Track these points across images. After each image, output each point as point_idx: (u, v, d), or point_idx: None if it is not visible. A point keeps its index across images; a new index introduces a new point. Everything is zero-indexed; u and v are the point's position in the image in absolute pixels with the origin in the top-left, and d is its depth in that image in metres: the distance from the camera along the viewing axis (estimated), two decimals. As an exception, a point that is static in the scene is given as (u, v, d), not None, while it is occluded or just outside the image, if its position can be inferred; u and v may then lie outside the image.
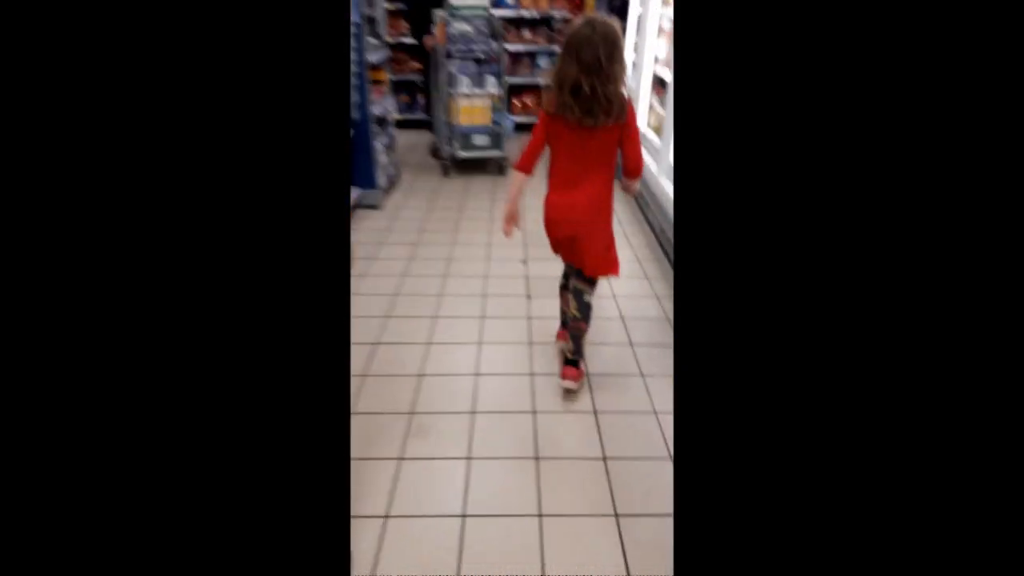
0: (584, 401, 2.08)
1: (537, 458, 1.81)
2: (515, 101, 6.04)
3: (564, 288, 2.23)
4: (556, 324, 2.55)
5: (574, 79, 1.72)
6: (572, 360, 2.10)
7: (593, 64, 1.71)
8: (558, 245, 2.05)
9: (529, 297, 2.78)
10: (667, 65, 3.69)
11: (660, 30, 4.11)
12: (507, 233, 2.02)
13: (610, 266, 2.02)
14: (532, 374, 2.22)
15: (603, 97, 1.73)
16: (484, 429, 1.93)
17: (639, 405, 2.06)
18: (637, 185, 2.02)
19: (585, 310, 2.06)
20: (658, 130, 3.97)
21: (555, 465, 1.79)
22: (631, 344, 2.41)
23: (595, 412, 2.02)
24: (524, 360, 2.31)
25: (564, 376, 2.08)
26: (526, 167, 1.95)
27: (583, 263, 1.99)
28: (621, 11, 5.02)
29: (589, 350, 2.30)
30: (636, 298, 2.73)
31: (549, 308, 2.66)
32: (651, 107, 4.35)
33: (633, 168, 1.91)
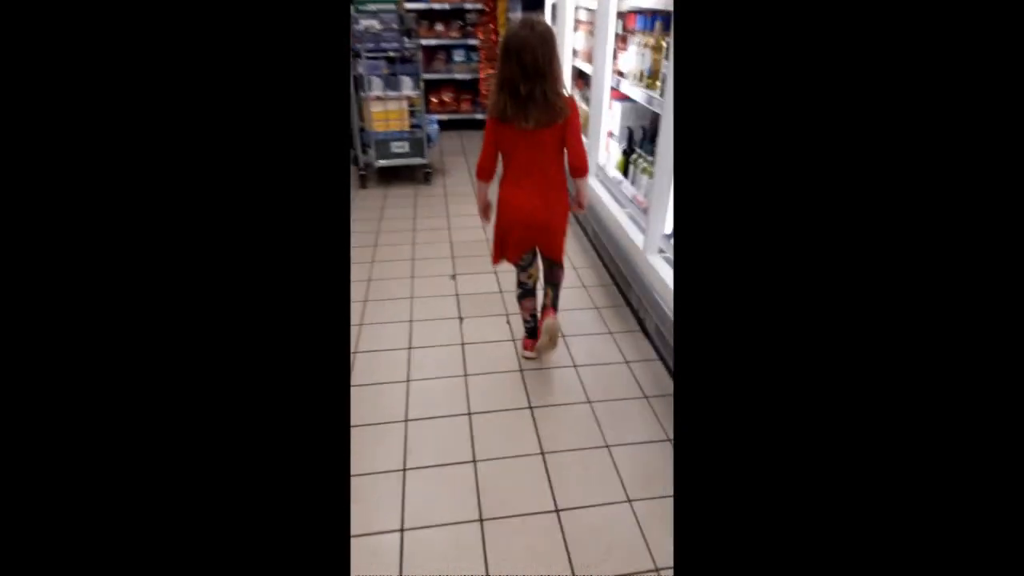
0: (529, 443, 1.89)
1: (481, 520, 1.61)
2: (432, 98, 5.76)
3: (523, 297, 2.24)
4: (492, 348, 2.35)
5: (514, 83, 1.76)
6: (550, 304, 2.25)
7: (533, 67, 1.74)
8: (521, 243, 2.07)
9: (462, 320, 2.56)
10: (586, 59, 3.55)
11: (577, 23, 3.96)
12: (484, 220, 2.15)
13: (558, 255, 2.14)
14: (470, 413, 2.01)
15: (546, 99, 1.78)
16: (416, 490, 1.71)
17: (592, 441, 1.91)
18: (586, 195, 2.10)
19: (558, 280, 2.25)
20: (582, 128, 3.83)
21: (505, 526, 1.59)
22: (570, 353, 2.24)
23: (542, 454, 1.84)
24: (460, 396, 2.09)
25: (545, 316, 2.20)
26: (486, 175, 2.00)
27: (551, 252, 2.11)
28: (537, 3, 4.84)
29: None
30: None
31: (485, 329, 2.45)
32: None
33: (578, 165, 1.95)
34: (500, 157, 1.96)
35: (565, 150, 1.93)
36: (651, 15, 2.69)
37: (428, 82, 5.71)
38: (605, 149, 3.35)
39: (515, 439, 1.89)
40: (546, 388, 2.13)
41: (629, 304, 2.66)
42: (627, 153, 3.01)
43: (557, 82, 1.81)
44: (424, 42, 5.57)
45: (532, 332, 2.28)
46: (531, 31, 1.75)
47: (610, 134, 3.28)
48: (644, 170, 2.74)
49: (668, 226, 2.34)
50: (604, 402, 2.05)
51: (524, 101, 1.77)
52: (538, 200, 1.96)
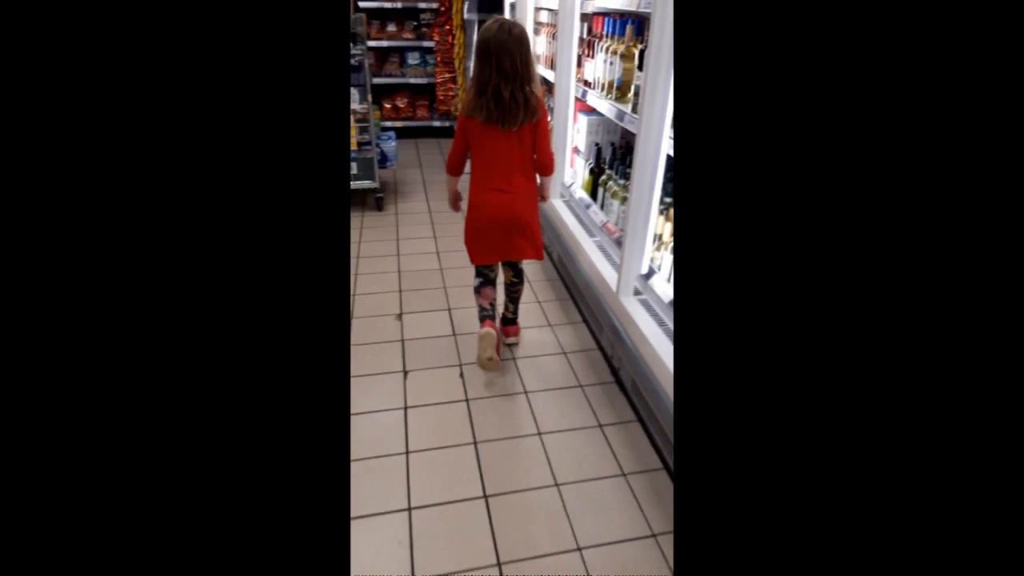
0: (482, 550, 1.54)
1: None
2: (385, 104, 5.35)
3: (483, 286, 2.21)
4: (441, 414, 1.99)
5: (495, 86, 1.81)
6: (512, 319, 2.35)
7: (511, 70, 1.80)
8: (493, 247, 2.06)
9: (405, 374, 2.18)
10: (549, 65, 3.21)
11: (537, 25, 3.62)
12: (455, 209, 2.18)
13: (538, 251, 2.10)
14: (410, 509, 1.64)
15: (526, 101, 1.84)
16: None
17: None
18: (549, 189, 2.16)
19: (521, 275, 2.26)
20: (546, 138, 3.50)
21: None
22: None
23: (498, 564, 1.49)
24: (399, 483, 1.72)
25: (507, 335, 2.35)
26: (455, 170, 2.06)
27: (522, 250, 2.07)
28: (495, 3, 4.50)
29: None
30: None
31: (433, 386, 2.09)
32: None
33: (546, 163, 2.02)
34: (471, 157, 2.00)
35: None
36: (620, 18, 2.36)
37: (381, 87, 5.32)
38: (570, 166, 3.02)
39: (465, 544, 1.53)
40: (505, 464, 1.78)
41: (600, 348, 2.33)
42: (595, 173, 2.68)
43: (535, 83, 1.87)
44: (375, 44, 5.17)
45: (489, 317, 2.21)
46: (509, 35, 1.79)
47: (575, 150, 2.95)
48: (615, 194, 2.41)
49: (644, 264, 2.02)
50: (574, 484, 1.71)
51: (507, 104, 1.82)
52: (510, 198, 1.97)
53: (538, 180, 2.09)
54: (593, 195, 2.69)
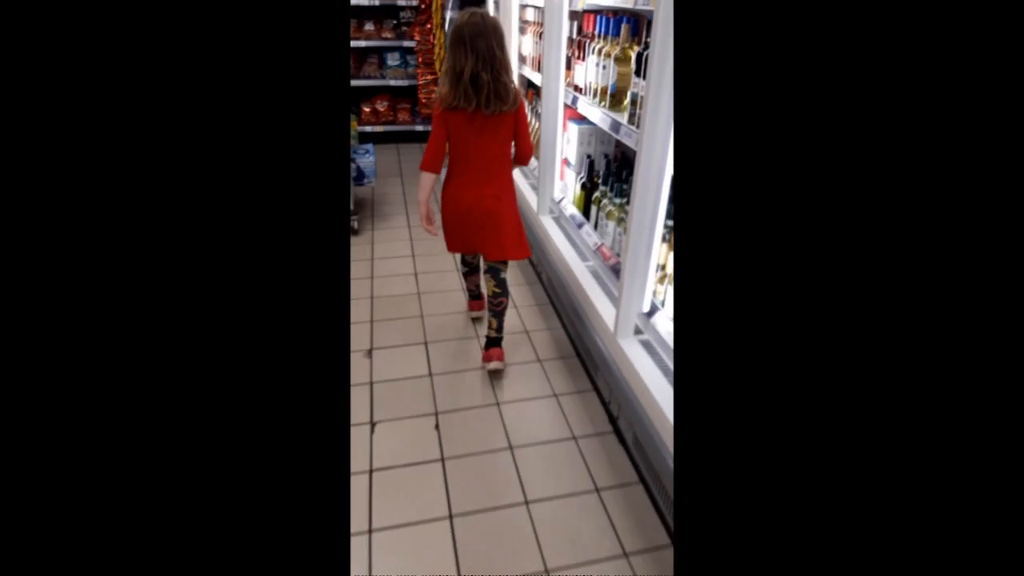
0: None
1: None
2: (365, 108, 5.05)
3: (469, 274, 2.35)
4: (408, 476, 1.71)
5: (472, 70, 1.78)
6: (496, 339, 2.16)
7: (488, 54, 1.79)
8: (468, 239, 2.05)
9: (373, 426, 1.90)
10: (536, 67, 2.95)
11: (523, 24, 3.35)
12: (430, 231, 2.04)
13: (524, 249, 2.06)
14: (371, 604, 1.36)
15: (500, 85, 1.82)
16: None
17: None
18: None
19: (504, 285, 2.11)
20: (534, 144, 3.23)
21: None
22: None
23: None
24: (360, 559, 1.45)
25: (488, 359, 2.13)
26: (433, 166, 1.95)
27: (502, 248, 2.02)
28: (478, 2, 4.23)
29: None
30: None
31: (404, 441, 1.80)
32: (522, 116, 3.60)
33: (526, 155, 2.01)
34: (450, 150, 1.95)
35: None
36: (613, 16, 2.10)
37: (359, 90, 5.01)
38: (560, 179, 2.75)
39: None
40: (486, 545, 1.51)
41: (596, 388, 2.07)
42: (587, 188, 2.41)
43: (509, 71, 1.86)
44: (352, 43, 4.87)
45: (476, 296, 2.39)
46: (482, 19, 1.80)
47: (565, 162, 2.68)
48: (611, 215, 2.14)
49: (646, 301, 1.75)
50: (568, 570, 1.45)
51: (483, 88, 1.80)
52: (488, 189, 1.96)
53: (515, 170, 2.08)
54: (586, 213, 2.42)
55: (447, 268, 2.93)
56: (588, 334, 2.02)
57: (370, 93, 5.08)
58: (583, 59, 2.29)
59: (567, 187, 2.68)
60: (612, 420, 1.91)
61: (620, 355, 1.76)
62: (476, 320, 2.50)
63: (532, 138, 3.25)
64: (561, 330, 2.43)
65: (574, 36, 2.45)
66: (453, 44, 1.81)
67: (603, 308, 1.96)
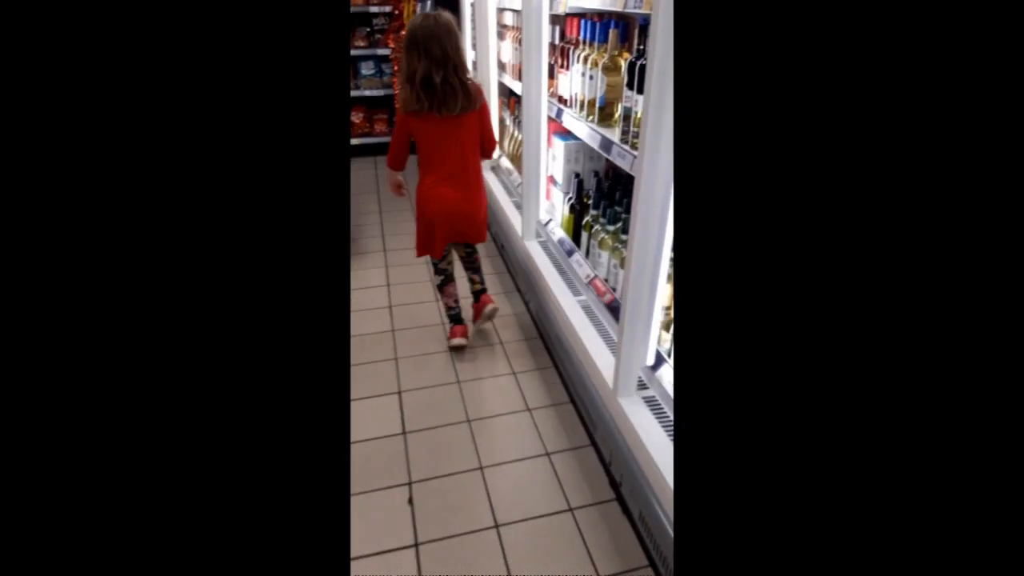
0: None
1: None
2: (339, 120, 4.78)
3: (445, 284, 2.26)
4: (378, 567, 1.45)
5: (425, 73, 1.81)
6: (481, 289, 2.31)
7: (441, 56, 1.80)
8: (449, 235, 2.10)
9: (336, 501, 1.64)
10: (516, 75, 2.70)
11: (502, 28, 3.10)
12: (398, 194, 2.13)
13: (483, 234, 2.17)
14: None
15: (450, 87, 1.83)
16: None
17: None
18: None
19: (472, 244, 2.25)
20: (516, 159, 2.98)
21: None
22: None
23: None
24: None
25: (484, 303, 2.27)
26: (397, 164, 2.05)
27: (478, 236, 2.15)
28: (451, 7, 3.98)
29: None
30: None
31: (369, 525, 1.52)
32: (503, 124, 3.34)
33: (489, 149, 2.08)
34: (419, 152, 2.00)
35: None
36: (600, 20, 1.85)
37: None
38: (546, 198, 2.50)
39: None
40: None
41: (595, 444, 1.81)
42: (576, 211, 2.16)
43: (465, 70, 1.88)
44: (323, 53, 4.61)
45: (457, 319, 2.26)
46: (435, 21, 1.80)
47: (551, 180, 2.43)
48: (604, 243, 1.89)
49: (650, 353, 1.50)
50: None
51: (442, 89, 1.82)
52: (461, 192, 2.01)
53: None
54: (575, 238, 2.17)
55: (426, 298, 2.67)
56: (583, 384, 1.77)
57: (344, 104, 4.82)
58: (567, 68, 2.04)
59: (554, 207, 2.43)
60: (614, 485, 1.65)
61: (621, 416, 1.50)
62: (455, 350, 2.26)
63: (516, 151, 3.01)
64: (552, 369, 2.18)
65: (556, 42, 2.20)
66: (406, 47, 1.83)
67: (600, 357, 1.70)
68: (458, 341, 2.21)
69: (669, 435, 1.40)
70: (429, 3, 3.93)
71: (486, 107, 2.00)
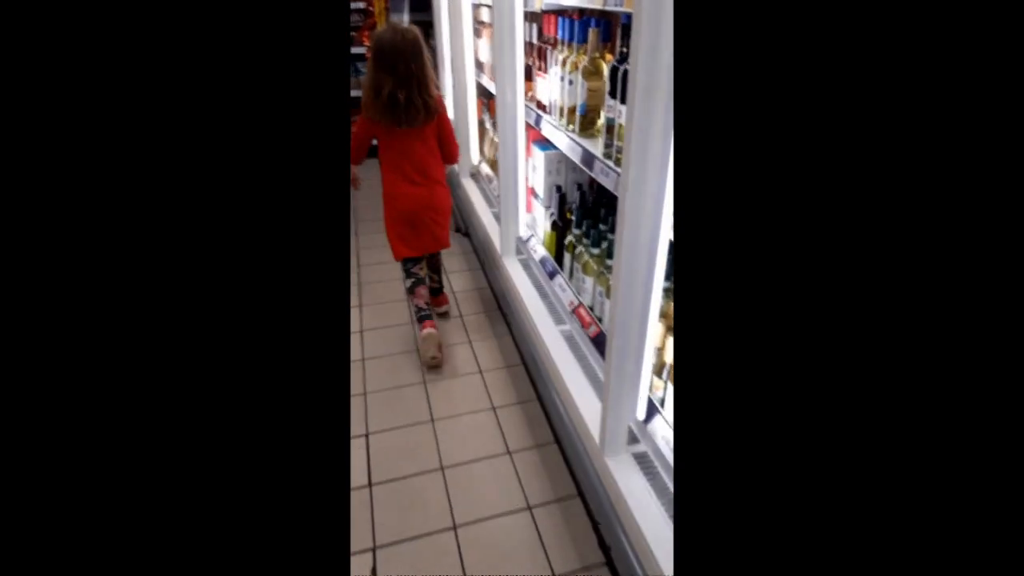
0: None
1: None
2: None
3: (416, 286, 2.29)
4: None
5: (390, 90, 1.88)
6: (438, 288, 2.47)
7: (406, 74, 1.88)
8: (415, 238, 2.16)
9: None
10: (492, 76, 2.49)
11: (479, 25, 2.88)
12: (354, 187, 2.17)
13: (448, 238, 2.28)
14: None
15: (424, 103, 1.93)
16: None
17: None
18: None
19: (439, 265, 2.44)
20: (496, 164, 2.77)
21: None
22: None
23: None
24: None
25: (439, 303, 2.46)
26: (356, 161, 2.10)
27: (441, 241, 2.23)
28: (424, 4, 3.79)
29: None
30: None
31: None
32: (482, 128, 3.13)
33: (452, 155, 2.18)
34: (380, 154, 2.09)
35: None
36: (579, 18, 1.64)
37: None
38: (527, 211, 2.29)
39: None
40: None
41: (582, 495, 1.61)
42: (559, 228, 1.96)
43: (430, 86, 1.94)
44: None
45: (427, 317, 2.26)
46: (403, 39, 1.86)
47: (532, 192, 2.23)
48: (588, 268, 1.69)
49: (641, 406, 1.30)
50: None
51: (404, 106, 1.89)
52: (425, 189, 2.09)
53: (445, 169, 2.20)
54: (558, 258, 1.96)
55: (401, 321, 2.46)
56: (567, 432, 1.57)
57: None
58: (545, 70, 1.84)
59: (536, 221, 2.23)
60: (604, 547, 1.45)
61: (608, 478, 1.30)
62: (430, 367, 2.16)
63: (495, 155, 2.81)
64: (536, 402, 1.98)
65: (534, 41, 1.99)
66: (373, 61, 1.89)
67: (585, 404, 1.50)
68: (428, 331, 2.19)
69: (664, 505, 1.20)
70: (405, 4, 3.73)
71: (444, 116, 2.05)
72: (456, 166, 3.26)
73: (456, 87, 3.14)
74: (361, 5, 4.35)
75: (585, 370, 1.62)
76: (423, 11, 3.98)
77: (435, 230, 2.18)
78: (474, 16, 2.96)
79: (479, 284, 2.75)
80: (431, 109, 1.95)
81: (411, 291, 2.29)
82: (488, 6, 2.61)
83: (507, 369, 2.16)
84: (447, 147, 2.13)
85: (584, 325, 1.65)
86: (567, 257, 1.86)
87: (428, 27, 4.03)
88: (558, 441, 1.80)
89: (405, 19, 4.01)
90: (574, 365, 1.65)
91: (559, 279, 1.89)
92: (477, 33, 2.95)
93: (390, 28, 1.90)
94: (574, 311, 1.73)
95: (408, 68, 1.87)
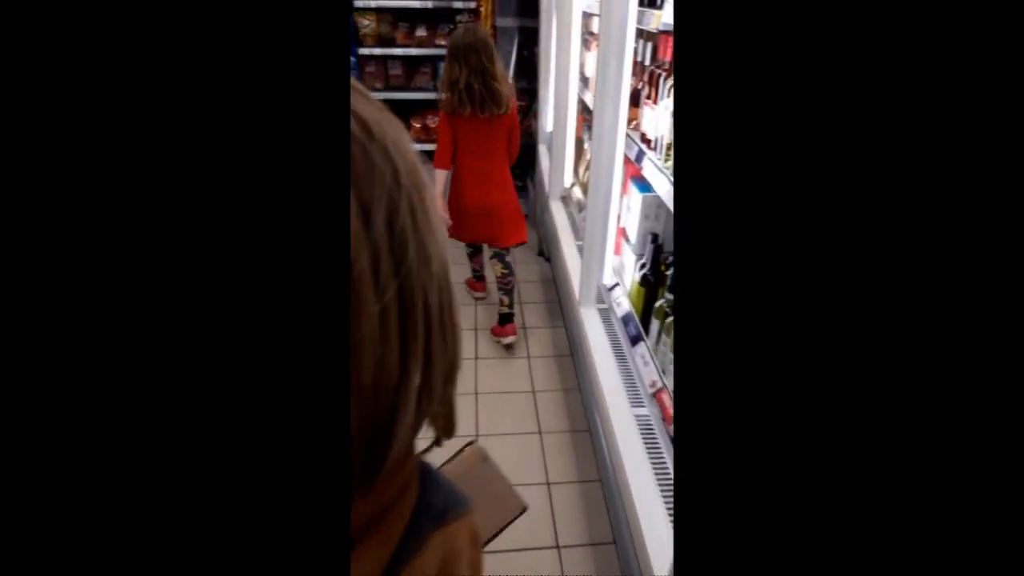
0: None
1: None
2: (415, 123, 4.46)
3: (473, 254, 2.69)
4: None
5: (466, 80, 2.08)
6: (508, 315, 2.43)
7: (478, 67, 2.08)
8: (476, 231, 2.40)
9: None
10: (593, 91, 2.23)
11: (588, 36, 2.62)
12: (447, 220, 2.35)
13: (521, 234, 2.42)
14: None
15: (492, 92, 2.11)
16: None
17: None
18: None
19: (510, 267, 2.44)
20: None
21: None
22: None
23: None
24: None
25: (503, 334, 2.41)
26: (444, 163, 2.27)
27: (502, 237, 2.38)
28: (532, 8, 3.59)
29: None
30: None
31: None
32: (579, 147, 2.86)
33: (514, 154, 2.35)
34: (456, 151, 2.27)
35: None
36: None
37: (409, 103, 4.43)
38: (615, 253, 2.01)
39: None
40: None
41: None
42: (649, 284, 1.66)
43: (501, 79, 2.15)
44: (402, 51, 4.32)
45: (479, 276, 2.74)
46: (474, 36, 2.10)
47: (622, 232, 1.94)
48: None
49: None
50: None
51: (477, 94, 2.08)
52: (490, 186, 2.29)
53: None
54: (645, 321, 1.66)
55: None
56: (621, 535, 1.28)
57: (421, 107, 4.48)
58: (655, 100, 1.55)
59: (624, 267, 1.94)
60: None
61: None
62: (478, 300, 2.72)
63: (586, 178, 2.55)
64: (602, 507, 1.69)
65: (647, 63, 1.70)
66: (449, 58, 2.11)
67: (659, 537, 1.19)
68: (479, 294, 2.72)
69: None
70: (512, 7, 3.55)
71: (514, 114, 2.24)
72: (546, 186, 3.02)
73: (557, 99, 2.90)
74: (472, 5, 4.21)
75: (660, 482, 1.32)
76: (530, 17, 3.76)
77: (494, 226, 2.35)
78: (584, 25, 2.70)
79: (554, 322, 2.50)
80: (503, 99, 2.11)
81: (470, 257, 2.70)
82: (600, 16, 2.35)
83: (572, 434, 1.89)
84: (513, 144, 2.31)
85: (666, 418, 1.35)
86: (655, 324, 1.56)
87: (533, 34, 3.83)
88: (614, 540, 1.51)
89: (511, 23, 3.82)
90: (647, 474, 1.35)
91: (642, 347, 1.59)
92: (586, 44, 2.69)
93: (463, 29, 2.13)
94: (655, 394, 1.43)
95: (480, 61, 2.05)
